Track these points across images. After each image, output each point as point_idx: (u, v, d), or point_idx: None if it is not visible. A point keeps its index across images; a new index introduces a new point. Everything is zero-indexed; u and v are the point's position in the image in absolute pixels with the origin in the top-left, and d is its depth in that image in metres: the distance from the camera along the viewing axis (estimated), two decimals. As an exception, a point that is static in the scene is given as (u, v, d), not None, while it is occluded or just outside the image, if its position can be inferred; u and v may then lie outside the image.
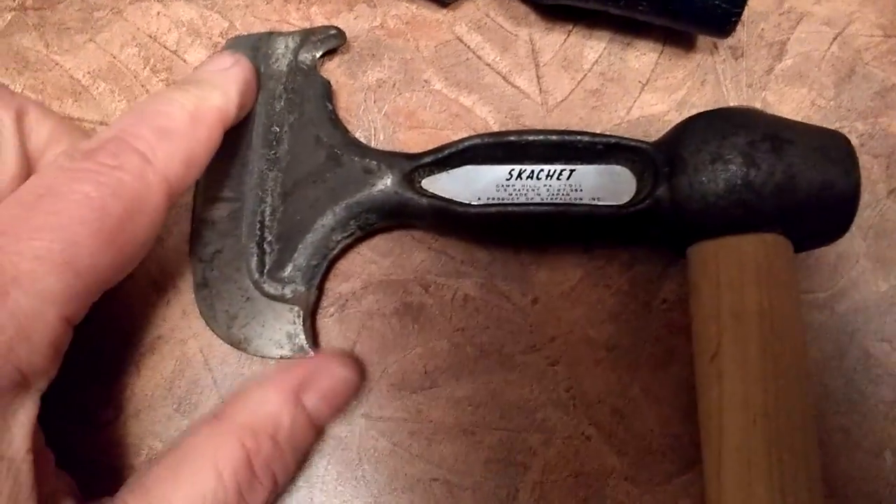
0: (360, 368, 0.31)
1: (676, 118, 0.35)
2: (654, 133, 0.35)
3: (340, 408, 0.30)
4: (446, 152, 0.31)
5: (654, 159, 0.30)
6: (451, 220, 0.31)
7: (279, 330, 0.30)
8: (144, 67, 0.36)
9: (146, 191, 0.26)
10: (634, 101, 0.36)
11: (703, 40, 0.37)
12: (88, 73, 0.36)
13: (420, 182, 0.31)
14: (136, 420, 0.31)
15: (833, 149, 0.29)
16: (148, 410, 0.31)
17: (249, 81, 0.31)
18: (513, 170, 0.31)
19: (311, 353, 0.30)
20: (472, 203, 0.30)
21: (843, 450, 0.31)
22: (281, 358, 0.31)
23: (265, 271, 0.31)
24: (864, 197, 0.35)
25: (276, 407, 0.28)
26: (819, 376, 0.32)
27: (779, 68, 0.37)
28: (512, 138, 0.31)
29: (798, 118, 0.36)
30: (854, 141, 0.35)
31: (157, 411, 0.31)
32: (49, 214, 0.24)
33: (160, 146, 0.27)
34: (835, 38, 0.37)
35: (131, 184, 0.25)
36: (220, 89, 0.30)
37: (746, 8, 0.32)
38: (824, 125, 0.36)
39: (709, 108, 0.35)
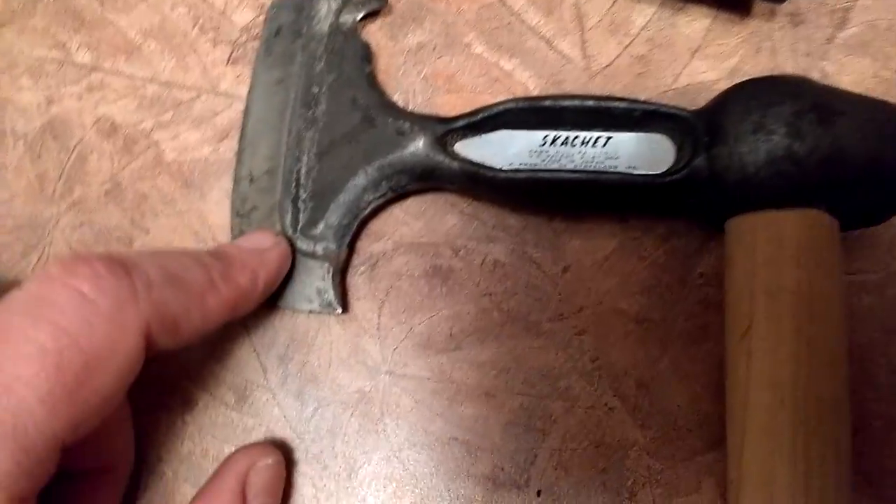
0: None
1: (727, 87, 0.34)
2: (703, 102, 0.34)
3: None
4: (480, 116, 0.31)
5: (694, 128, 0.29)
6: (481, 185, 0.31)
7: (310, 285, 0.31)
8: (193, 27, 0.37)
9: (118, 335, 0.22)
10: (683, 69, 0.35)
11: (761, 6, 0.35)
12: (140, 31, 0.37)
13: (452, 146, 0.31)
14: (173, 359, 0.32)
15: (887, 122, 0.27)
16: (183, 353, 0.32)
17: (283, 266, 0.30)
18: (547, 135, 0.30)
19: (339, 309, 0.31)
20: (503, 168, 0.30)
21: (885, 440, 0.30)
22: (310, 312, 0.32)
23: (298, 228, 0.32)
24: (927, 176, 0.32)
25: None
26: (861, 362, 0.31)
27: (840, 37, 0.34)
28: (547, 103, 0.30)
29: (859, 90, 0.34)
30: (919, 116, 0.33)
31: (191, 354, 0.33)
32: None
33: (160, 288, 0.23)
34: (906, 6, 0.35)
35: (101, 323, 0.21)
36: (250, 275, 0.28)
37: (809, -29, 0.30)
38: (886, 99, 0.34)
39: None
